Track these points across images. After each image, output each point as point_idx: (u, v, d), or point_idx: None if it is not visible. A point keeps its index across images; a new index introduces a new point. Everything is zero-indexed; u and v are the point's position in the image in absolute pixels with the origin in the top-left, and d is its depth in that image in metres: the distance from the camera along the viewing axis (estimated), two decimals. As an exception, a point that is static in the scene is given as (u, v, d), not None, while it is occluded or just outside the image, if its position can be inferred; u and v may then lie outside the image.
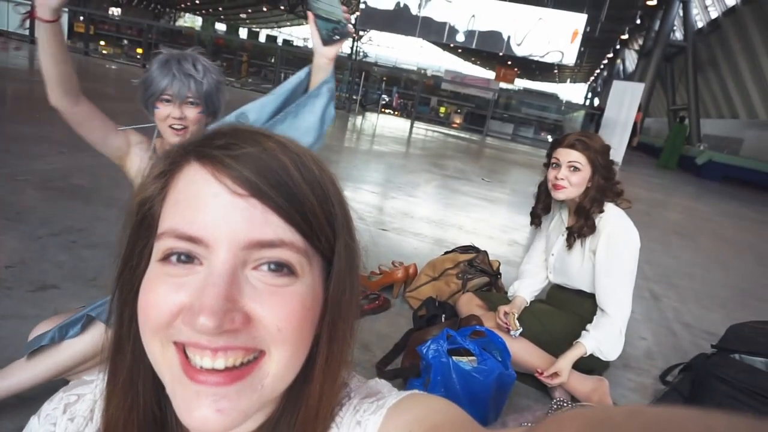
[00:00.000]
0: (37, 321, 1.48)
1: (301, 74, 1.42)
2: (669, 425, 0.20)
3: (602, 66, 41.05)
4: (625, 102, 12.11)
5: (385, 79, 22.29)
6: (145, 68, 1.52)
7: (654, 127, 25.62)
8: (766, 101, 16.94)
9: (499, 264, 2.86)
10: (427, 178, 6.59)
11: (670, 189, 10.98)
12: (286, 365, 0.42)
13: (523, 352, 2.01)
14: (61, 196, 3.21)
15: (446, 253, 2.91)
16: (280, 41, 40.08)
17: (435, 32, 16.94)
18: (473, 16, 16.41)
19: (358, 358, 2.00)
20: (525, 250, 3.16)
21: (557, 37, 16.01)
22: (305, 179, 0.43)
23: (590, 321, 1.96)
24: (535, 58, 17.14)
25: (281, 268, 0.41)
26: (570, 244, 2.04)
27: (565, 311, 2.13)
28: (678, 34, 19.15)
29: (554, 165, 1.98)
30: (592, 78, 50.72)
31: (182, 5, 47.67)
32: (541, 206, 2.17)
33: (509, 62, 31.64)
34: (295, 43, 46.37)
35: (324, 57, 1.34)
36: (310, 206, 0.42)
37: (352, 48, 40.27)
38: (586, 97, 48.15)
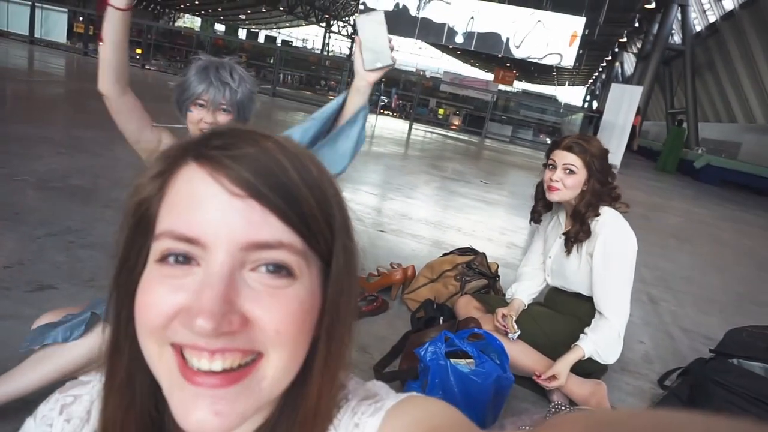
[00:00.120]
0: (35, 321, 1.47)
1: (339, 99, 1.46)
2: (669, 428, 0.20)
3: (601, 69, 41.12)
4: (623, 105, 12.14)
5: (383, 80, 22.30)
6: (182, 71, 1.58)
7: (652, 131, 25.66)
8: (763, 105, 17.00)
9: (498, 266, 2.86)
10: (425, 179, 6.60)
11: (669, 192, 10.99)
12: (284, 367, 0.42)
13: (521, 355, 2.01)
14: (60, 196, 3.20)
15: (444, 255, 2.91)
16: (279, 42, 40.10)
17: (434, 33, 16.99)
18: (472, 17, 16.46)
19: (355, 359, 2.00)
20: (523, 252, 3.16)
21: (556, 39, 16.07)
22: (304, 180, 0.42)
23: (588, 324, 1.96)
24: (534, 61, 17.21)
25: (279, 269, 0.41)
26: (569, 250, 2.04)
27: (563, 314, 2.13)
28: (676, 38, 19.20)
29: (550, 166, 1.98)
30: (590, 81, 50.81)
31: (181, 6, 47.69)
32: (541, 204, 2.18)
33: (508, 64, 31.71)
34: (294, 44, 46.43)
35: (364, 80, 1.39)
36: (309, 207, 0.42)
37: (351, 49, 40.35)
38: (584, 100, 48.22)
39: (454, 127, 19.14)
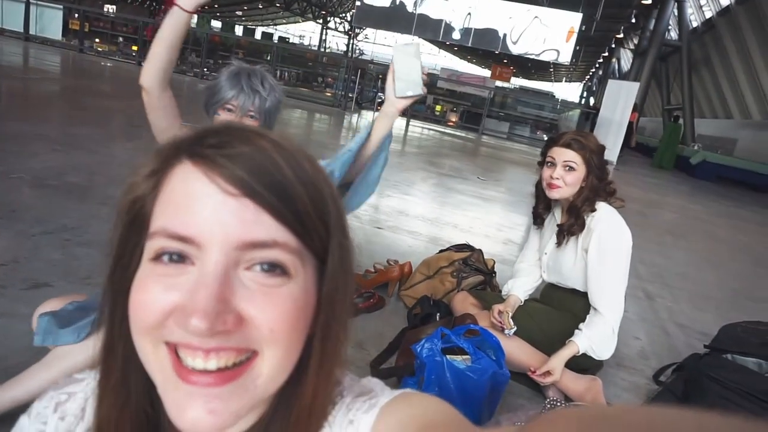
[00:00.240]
0: (31, 319, 1.47)
1: (368, 128, 1.54)
2: (662, 425, 0.20)
3: (597, 65, 41.18)
4: (620, 101, 12.17)
5: (381, 77, 22.25)
6: (213, 76, 1.64)
7: (649, 127, 25.72)
8: (759, 102, 17.04)
9: (494, 263, 2.86)
10: (422, 176, 6.60)
11: (665, 189, 11.01)
12: (278, 365, 0.42)
13: (518, 351, 2.01)
14: (56, 194, 3.20)
15: (441, 251, 2.91)
16: (275, 39, 39.99)
17: (431, 30, 16.95)
18: (469, 14, 16.43)
19: (352, 356, 2.00)
20: (520, 248, 3.16)
21: (553, 35, 16.07)
22: (298, 178, 0.42)
23: (584, 320, 1.97)
24: (531, 57, 17.20)
25: (274, 268, 0.41)
26: (560, 242, 2.05)
27: (559, 310, 2.14)
28: (673, 34, 19.24)
29: (549, 164, 1.98)
30: (587, 77, 50.85)
31: (177, 2, 47.44)
32: (542, 206, 2.18)
33: (505, 60, 31.70)
34: (290, 41, 46.30)
35: (393, 107, 1.46)
36: (303, 206, 0.42)
37: (348, 46, 40.28)
38: (581, 96, 48.29)
39: (451, 123, 19.12)
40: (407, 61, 1.40)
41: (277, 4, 40.00)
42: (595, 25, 19.26)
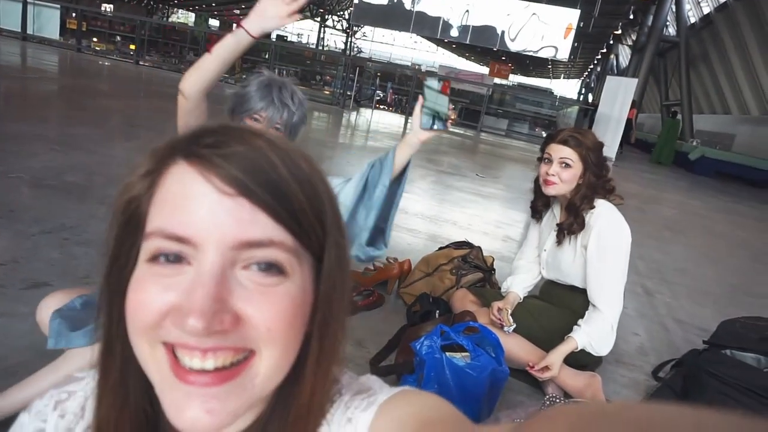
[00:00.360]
0: (31, 319, 1.47)
1: (391, 153, 1.61)
2: (661, 421, 0.20)
3: (596, 61, 41.12)
4: (618, 97, 12.14)
5: (379, 74, 22.20)
6: (242, 82, 1.66)
7: (648, 123, 25.71)
8: (757, 97, 17.05)
9: (493, 260, 2.86)
10: (421, 173, 6.59)
11: (663, 184, 11.02)
12: (276, 364, 0.42)
13: (517, 348, 2.02)
14: (54, 193, 3.19)
15: (440, 248, 2.91)
16: (273, 37, 39.88)
17: (429, 27, 16.96)
18: (467, 11, 16.43)
19: (351, 354, 2.00)
20: (519, 245, 3.16)
21: (551, 32, 16.08)
22: (294, 177, 0.42)
23: (583, 316, 1.97)
24: (529, 54, 17.20)
25: (271, 267, 0.41)
26: (560, 240, 2.05)
27: (558, 307, 2.14)
28: (671, 30, 19.23)
29: (546, 160, 1.98)
30: (585, 73, 50.80)
31: (175, 1, 47.41)
32: (541, 202, 2.18)
33: (503, 57, 31.64)
34: (288, 39, 46.23)
35: (416, 137, 1.53)
36: (299, 204, 0.42)
37: (346, 44, 40.24)
38: (579, 93, 48.23)
39: (449, 121, 19.09)
40: (437, 97, 1.45)
41: (275, 3, 39.77)
42: (593, 22, 19.21)
